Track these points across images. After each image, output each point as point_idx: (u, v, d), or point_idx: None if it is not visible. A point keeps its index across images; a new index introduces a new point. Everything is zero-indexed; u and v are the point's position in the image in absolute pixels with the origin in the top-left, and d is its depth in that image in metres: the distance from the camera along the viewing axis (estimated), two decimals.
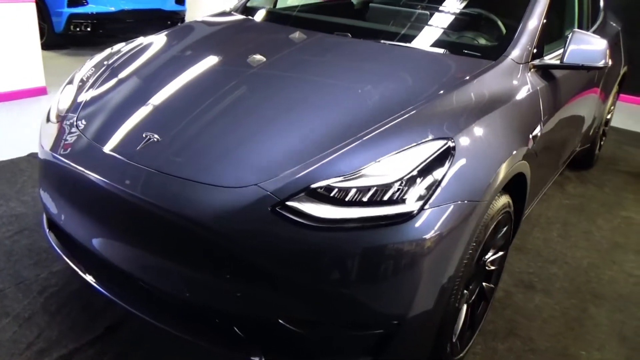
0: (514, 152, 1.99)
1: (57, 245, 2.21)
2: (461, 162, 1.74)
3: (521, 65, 2.35)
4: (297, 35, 2.65)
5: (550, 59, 2.60)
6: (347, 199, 1.63)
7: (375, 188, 1.64)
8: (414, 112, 1.88)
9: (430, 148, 1.73)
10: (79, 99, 2.25)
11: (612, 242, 3.44)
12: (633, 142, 5.53)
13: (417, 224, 1.61)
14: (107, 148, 1.91)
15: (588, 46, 2.42)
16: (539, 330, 2.52)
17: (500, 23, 2.87)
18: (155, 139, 1.87)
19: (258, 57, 2.40)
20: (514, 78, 2.27)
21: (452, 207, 1.67)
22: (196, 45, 2.68)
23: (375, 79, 2.19)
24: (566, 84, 2.76)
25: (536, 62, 2.43)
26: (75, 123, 2.10)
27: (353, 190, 1.64)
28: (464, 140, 1.80)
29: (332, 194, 1.64)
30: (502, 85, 2.19)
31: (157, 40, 2.71)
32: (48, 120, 2.28)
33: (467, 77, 2.13)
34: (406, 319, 1.69)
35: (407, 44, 2.52)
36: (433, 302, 1.72)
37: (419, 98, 1.97)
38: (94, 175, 1.84)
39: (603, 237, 3.49)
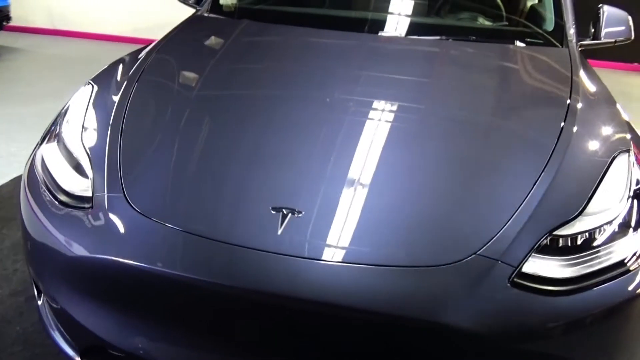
0: None
1: None
2: None
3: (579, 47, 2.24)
4: (350, 42, 2.21)
5: None
6: (579, 247, 1.35)
7: (604, 227, 1.38)
8: (574, 128, 1.64)
9: (622, 166, 1.52)
10: (107, 168, 1.55)
11: None
12: None
13: None
14: (218, 237, 1.33)
15: (618, 21, 2.40)
16: None
17: (499, 1, 2.70)
18: (297, 215, 1.35)
19: (352, 82, 1.96)
20: (584, 62, 2.15)
21: None
22: (245, 68, 2.07)
23: (488, 91, 1.91)
24: None
25: (585, 42, 2.34)
26: (129, 206, 1.43)
27: (583, 236, 1.36)
28: (633, 145, 1.63)
29: (561, 245, 1.34)
30: (591, 73, 2.05)
31: (178, 63, 2.06)
32: (45, 206, 1.54)
33: (568, 73, 1.94)
34: None
35: (470, 39, 2.22)
36: None
37: (560, 110, 1.72)
38: (206, 280, 1.26)
39: None
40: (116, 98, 1.80)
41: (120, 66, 2.03)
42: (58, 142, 1.70)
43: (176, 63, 2.09)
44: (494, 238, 1.31)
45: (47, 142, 1.73)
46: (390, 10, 2.48)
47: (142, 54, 2.09)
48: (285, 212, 1.35)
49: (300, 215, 1.35)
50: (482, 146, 1.63)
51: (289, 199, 1.40)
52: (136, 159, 1.58)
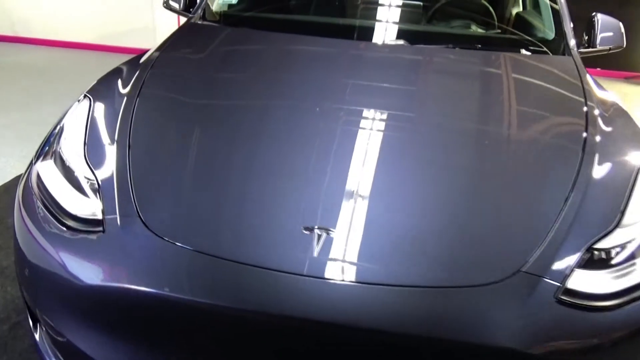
0: None
1: None
2: None
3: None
4: (357, 51, 2.16)
5: None
6: (617, 260, 1.33)
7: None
8: (597, 138, 1.62)
9: None
10: (118, 188, 1.43)
11: None
12: None
13: None
14: (251, 261, 1.24)
15: (611, 29, 2.43)
16: None
17: (490, 8, 2.71)
18: (331, 235, 1.27)
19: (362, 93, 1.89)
20: (586, 71, 2.16)
21: None
22: (251, 78, 1.98)
23: (505, 101, 1.88)
24: None
25: (582, 49, 2.35)
26: (146, 229, 1.32)
27: (620, 248, 1.34)
28: None
29: (601, 259, 1.32)
30: (595, 81, 2.06)
31: (179, 74, 1.96)
32: (48, 230, 1.41)
33: (577, 82, 1.94)
34: None
35: (476, 48, 2.19)
36: None
37: (580, 120, 1.72)
38: (247, 309, 1.18)
39: None
40: (119, 112, 1.68)
41: (118, 78, 1.91)
42: (55, 160, 1.58)
43: (177, 75, 1.98)
44: (536, 254, 1.27)
45: (42, 160, 1.60)
46: (397, 19, 2.47)
47: (140, 65, 1.98)
48: (319, 232, 1.27)
49: (334, 234, 1.28)
50: (513, 159, 1.61)
51: (319, 217, 1.32)
52: (148, 177, 1.47)
